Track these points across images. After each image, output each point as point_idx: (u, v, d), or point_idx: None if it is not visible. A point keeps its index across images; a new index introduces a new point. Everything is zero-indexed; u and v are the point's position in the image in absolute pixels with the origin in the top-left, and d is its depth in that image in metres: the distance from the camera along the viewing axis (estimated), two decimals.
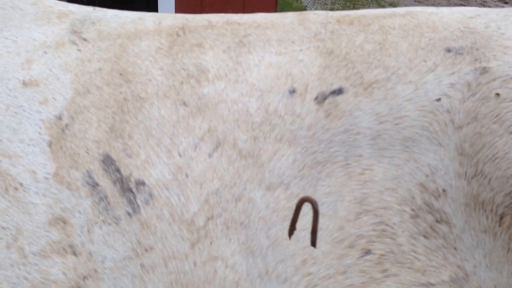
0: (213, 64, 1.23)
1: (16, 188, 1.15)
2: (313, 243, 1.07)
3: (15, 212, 1.14)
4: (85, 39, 1.28)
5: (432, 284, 1.16)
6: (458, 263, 1.15)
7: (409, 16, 1.29)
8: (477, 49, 1.19)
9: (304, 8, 9.84)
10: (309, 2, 10.62)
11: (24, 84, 1.21)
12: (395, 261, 1.17)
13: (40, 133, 1.18)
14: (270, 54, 1.24)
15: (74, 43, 1.27)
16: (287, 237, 1.15)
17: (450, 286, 1.15)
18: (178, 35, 1.28)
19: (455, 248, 1.15)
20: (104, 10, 1.37)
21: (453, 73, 1.18)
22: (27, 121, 1.18)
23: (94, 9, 1.35)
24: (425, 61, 1.19)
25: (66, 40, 1.27)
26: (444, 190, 1.15)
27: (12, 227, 1.14)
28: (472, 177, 1.14)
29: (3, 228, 1.13)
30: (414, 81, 1.18)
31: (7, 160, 1.16)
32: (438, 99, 1.16)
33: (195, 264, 1.15)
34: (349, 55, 1.23)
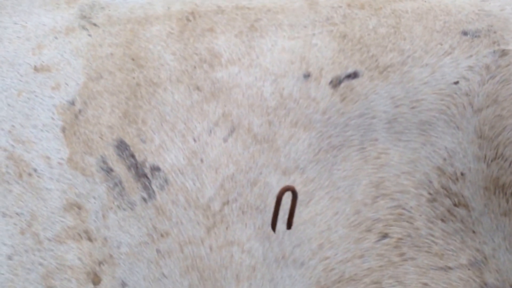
0: (226, 49, 1.31)
1: (30, 174, 1.22)
2: (289, 225, 1.17)
3: (29, 198, 1.22)
4: (95, 24, 1.35)
5: (450, 268, 1.23)
6: (477, 247, 1.23)
7: (420, 0, 1.36)
8: (495, 32, 1.27)
9: None
10: None
11: (36, 69, 1.29)
12: (412, 245, 1.24)
13: (53, 119, 1.25)
14: (283, 39, 1.32)
15: (84, 28, 1.34)
16: (304, 221, 1.24)
17: (469, 269, 1.23)
18: (188, 20, 1.35)
19: (473, 232, 1.23)
20: None
21: (471, 56, 1.25)
22: (39, 107, 1.26)
23: None
24: (441, 44, 1.27)
25: (76, 25, 1.35)
26: (462, 174, 1.23)
27: (26, 213, 1.21)
28: (492, 160, 1.22)
29: (18, 214, 1.21)
30: (431, 64, 1.26)
31: (20, 146, 1.23)
32: (456, 82, 1.24)
33: (211, 249, 1.23)
34: (363, 38, 1.30)
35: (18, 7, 1.38)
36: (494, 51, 1.25)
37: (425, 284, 1.24)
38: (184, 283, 1.23)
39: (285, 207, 1.23)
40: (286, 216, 1.24)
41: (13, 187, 1.22)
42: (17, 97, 1.27)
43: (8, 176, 1.23)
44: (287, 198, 1.23)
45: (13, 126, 1.25)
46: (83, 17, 1.37)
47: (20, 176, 1.22)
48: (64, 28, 1.35)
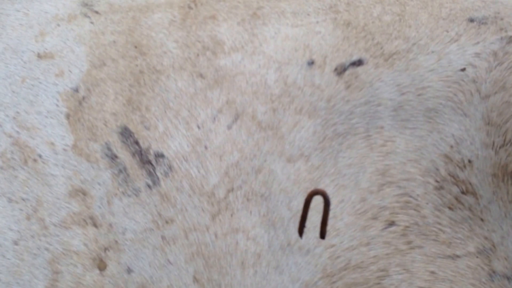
0: (229, 36, 1.46)
1: (35, 160, 1.38)
2: (322, 234, 1.26)
3: (35, 183, 1.37)
4: (97, 12, 1.52)
5: (458, 256, 1.36)
6: (485, 234, 1.36)
7: None
8: (502, 19, 1.41)
9: None
10: None
11: (39, 56, 1.45)
12: (419, 233, 1.37)
13: (57, 105, 1.41)
14: (286, 26, 1.47)
15: (86, 15, 1.51)
16: (309, 209, 1.40)
17: (477, 257, 1.36)
18: (190, 7, 1.51)
19: (481, 219, 1.36)
20: None
21: (478, 42, 1.39)
22: (43, 93, 1.42)
23: None
24: (447, 31, 1.42)
25: (78, 12, 1.52)
26: (470, 161, 1.36)
27: (32, 198, 1.37)
28: (500, 147, 1.35)
29: (23, 199, 1.36)
30: (437, 51, 1.40)
31: (25, 132, 1.39)
32: (463, 69, 1.38)
33: (216, 236, 1.37)
34: (368, 26, 1.45)
35: None
36: (501, 38, 1.40)
37: (433, 272, 1.37)
38: (189, 269, 1.37)
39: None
40: (317, 222, 1.37)
41: (19, 173, 1.38)
42: (21, 83, 1.43)
43: (14, 162, 1.38)
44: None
45: (17, 112, 1.41)
46: (85, 4, 1.53)
47: (25, 162, 1.38)
48: (67, 15, 1.51)
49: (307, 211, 1.29)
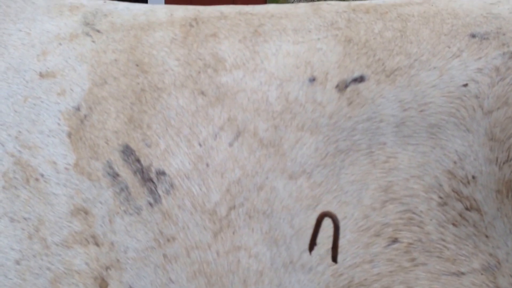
0: (230, 54, 1.48)
1: (37, 179, 1.39)
2: (334, 258, 1.26)
3: (37, 202, 1.38)
4: (98, 31, 1.54)
5: (462, 273, 1.36)
6: (490, 251, 1.36)
7: (427, 4, 1.53)
8: (504, 34, 1.43)
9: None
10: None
11: (41, 75, 1.47)
12: (423, 250, 1.37)
13: (59, 124, 1.43)
14: (287, 43, 1.49)
15: (88, 34, 1.53)
16: (311, 226, 1.39)
17: (482, 274, 1.36)
18: (191, 25, 1.53)
19: (486, 236, 1.36)
20: (115, 3, 1.63)
21: (480, 58, 1.41)
22: (45, 112, 1.44)
23: (104, 1, 1.62)
24: (449, 47, 1.43)
25: (80, 31, 1.54)
26: (473, 177, 1.36)
27: (34, 217, 1.38)
28: (504, 163, 1.35)
29: (25, 219, 1.37)
30: (439, 67, 1.41)
31: (27, 151, 1.41)
32: (465, 85, 1.39)
33: (218, 254, 1.38)
34: (369, 42, 1.46)
35: (21, 14, 1.57)
36: (503, 53, 1.41)
37: None
38: None
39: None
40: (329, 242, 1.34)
41: (21, 192, 1.39)
42: (23, 103, 1.45)
43: (16, 181, 1.40)
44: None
45: (19, 131, 1.43)
46: (87, 24, 1.56)
47: (27, 181, 1.40)
48: (68, 34, 1.54)
49: (318, 229, 1.29)
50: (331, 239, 1.39)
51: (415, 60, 1.45)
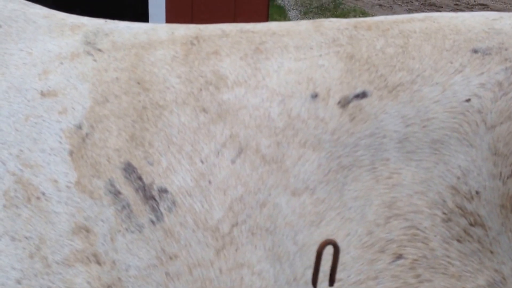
0: (232, 71, 1.47)
1: (38, 198, 1.38)
2: (332, 282, 1.25)
3: (38, 221, 1.36)
4: (100, 50, 1.53)
5: None
6: (495, 267, 1.35)
7: (428, 21, 1.53)
8: (506, 49, 1.42)
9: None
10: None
11: (43, 94, 1.46)
12: (428, 266, 1.36)
13: (60, 143, 1.42)
14: (289, 60, 1.48)
15: (89, 53, 1.53)
16: (315, 242, 1.38)
17: None
18: (192, 44, 1.53)
19: (491, 252, 1.34)
20: (116, 22, 1.63)
21: (482, 73, 1.39)
22: (47, 131, 1.42)
23: (105, 21, 1.62)
24: (451, 63, 1.42)
25: (81, 51, 1.53)
26: (477, 192, 1.35)
27: (35, 236, 1.36)
28: (507, 177, 1.34)
29: (26, 237, 1.35)
30: (441, 82, 1.40)
31: (28, 170, 1.39)
32: (468, 100, 1.38)
33: (220, 271, 1.36)
34: (371, 59, 1.45)
35: (23, 34, 1.56)
36: (506, 68, 1.40)
37: None
38: None
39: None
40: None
41: (22, 211, 1.37)
42: (25, 121, 1.43)
43: (17, 200, 1.38)
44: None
45: (21, 150, 1.41)
46: (88, 43, 1.55)
47: (29, 200, 1.38)
48: (70, 54, 1.53)
49: (320, 263, 1.26)
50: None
51: (418, 75, 1.43)
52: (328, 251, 1.34)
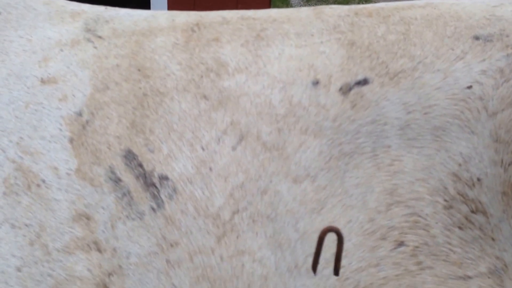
0: (232, 58, 1.45)
1: (38, 185, 1.35)
2: (336, 271, 1.24)
3: (38, 208, 1.34)
4: (100, 37, 1.50)
5: (469, 277, 1.33)
6: (497, 254, 1.32)
7: (429, 7, 1.50)
8: (507, 36, 1.39)
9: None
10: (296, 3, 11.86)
11: (42, 81, 1.43)
12: (429, 253, 1.34)
13: (60, 130, 1.39)
14: (290, 47, 1.45)
15: (89, 40, 1.49)
16: (316, 229, 1.36)
17: (489, 277, 1.32)
18: (193, 30, 1.50)
19: (492, 239, 1.32)
20: (116, 9, 1.60)
21: (484, 60, 1.37)
22: (47, 118, 1.40)
23: (106, 8, 1.58)
24: (453, 49, 1.40)
25: (81, 38, 1.50)
26: (479, 179, 1.33)
27: (35, 224, 1.33)
28: (509, 164, 1.32)
29: (26, 225, 1.33)
30: (443, 69, 1.38)
31: (28, 157, 1.36)
32: (469, 87, 1.36)
33: (221, 258, 1.34)
34: (372, 45, 1.43)
35: (23, 21, 1.53)
36: (507, 55, 1.37)
37: None
38: None
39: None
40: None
41: (22, 198, 1.35)
42: (25, 109, 1.41)
43: (17, 187, 1.35)
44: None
45: (21, 137, 1.38)
46: (88, 30, 1.52)
47: (29, 187, 1.35)
48: (70, 41, 1.50)
49: (321, 248, 1.26)
50: (336, 243, 1.35)
51: (419, 62, 1.41)
52: (331, 238, 1.32)
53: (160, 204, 1.37)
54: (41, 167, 1.38)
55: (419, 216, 1.36)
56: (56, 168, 1.38)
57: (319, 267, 1.35)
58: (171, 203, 1.37)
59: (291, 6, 11.50)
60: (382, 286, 1.35)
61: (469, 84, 1.38)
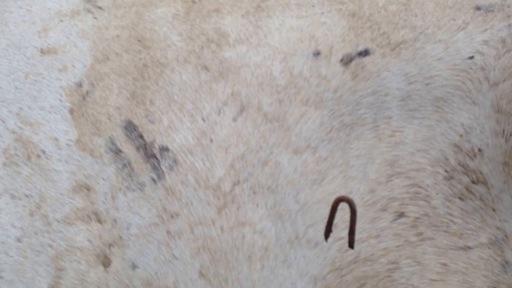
0: (233, 29, 1.42)
1: (38, 156, 1.34)
2: (351, 244, 1.21)
3: (38, 179, 1.33)
4: (100, 7, 1.47)
5: (469, 248, 1.31)
6: (497, 225, 1.31)
7: None
8: (508, 6, 1.36)
9: None
10: None
11: (42, 52, 1.41)
12: (430, 224, 1.32)
13: (60, 100, 1.37)
14: (290, 18, 1.43)
15: (89, 11, 1.47)
16: (317, 201, 1.33)
17: (489, 248, 1.31)
18: (193, 1, 1.46)
19: (493, 209, 1.31)
20: None
21: (485, 30, 1.35)
22: (47, 89, 1.38)
23: None
24: (454, 20, 1.37)
25: (81, 8, 1.47)
26: (480, 150, 1.31)
27: (35, 194, 1.32)
28: (510, 135, 1.30)
29: (26, 195, 1.32)
30: (444, 40, 1.35)
31: (28, 128, 1.35)
32: (471, 57, 1.34)
33: (222, 229, 1.32)
34: (373, 16, 1.40)
35: None
36: (509, 25, 1.35)
37: (444, 264, 1.32)
38: (195, 264, 1.32)
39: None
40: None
41: (22, 169, 1.33)
42: (24, 79, 1.39)
43: (17, 158, 1.34)
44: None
45: (20, 108, 1.37)
46: (88, 0, 1.48)
47: (29, 158, 1.34)
48: (69, 11, 1.47)
49: (334, 217, 1.23)
50: (338, 213, 1.33)
51: (420, 33, 1.39)
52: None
53: (160, 175, 1.35)
54: (41, 137, 1.36)
55: (420, 187, 1.35)
56: (56, 139, 1.36)
57: (320, 238, 1.34)
58: (171, 174, 1.35)
59: None
60: (383, 257, 1.34)
61: (470, 55, 1.36)
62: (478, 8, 1.40)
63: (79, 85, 1.40)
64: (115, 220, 1.34)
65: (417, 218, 1.34)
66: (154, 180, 1.35)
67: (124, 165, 1.35)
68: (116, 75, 1.40)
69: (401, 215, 1.35)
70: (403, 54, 1.38)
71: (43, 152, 1.35)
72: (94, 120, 1.38)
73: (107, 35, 1.45)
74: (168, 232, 1.34)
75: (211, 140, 1.36)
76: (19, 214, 1.34)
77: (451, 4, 1.41)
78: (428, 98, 1.36)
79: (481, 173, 1.33)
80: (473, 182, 1.34)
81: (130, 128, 1.36)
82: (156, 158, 1.35)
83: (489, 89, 1.34)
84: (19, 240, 1.33)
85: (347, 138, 1.37)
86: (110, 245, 1.33)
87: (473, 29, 1.38)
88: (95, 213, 1.34)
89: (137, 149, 1.35)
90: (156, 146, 1.36)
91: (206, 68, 1.40)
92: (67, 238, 1.33)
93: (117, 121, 1.38)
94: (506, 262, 1.33)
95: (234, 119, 1.37)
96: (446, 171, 1.34)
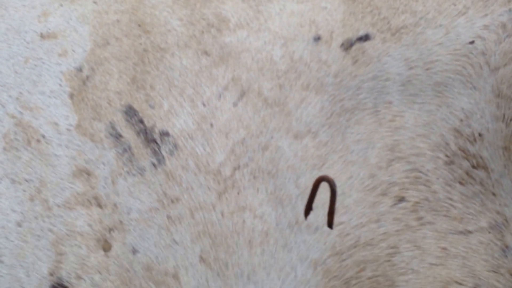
0: (233, 13, 1.40)
1: (38, 140, 1.32)
2: (330, 224, 1.19)
3: (38, 164, 1.31)
4: None
5: (470, 232, 1.30)
6: (497, 209, 1.30)
7: None
8: None
9: None
10: None
11: (42, 36, 1.39)
12: (430, 209, 1.30)
13: (60, 85, 1.36)
14: (291, 3, 1.41)
15: None
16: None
17: (489, 232, 1.29)
18: None
19: (493, 194, 1.30)
20: None
21: (486, 15, 1.33)
22: (47, 73, 1.37)
23: None
24: (455, 5, 1.35)
25: None
26: (480, 134, 1.30)
27: (35, 179, 1.31)
28: (511, 119, 1.29)
29: (26, 180, 1.30)
30: (445, 24, 1.33)
31: (28, 113, 1.33)
32: (472, 42, 1.32)
33: (222, 214, 1.31)
34: (374, 1, 1.38)
35: None
36: (509, 9, 1.33)
37: (444, 248, 1.30)
38: (195, 249, 1.31)
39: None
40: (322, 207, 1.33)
41: (22, 153, 1.32)
42: (24, 64, 1.37)
43: (17, 142, 1.32)
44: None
45: (20, 93, 1.35)
46: None
47: (29, 142, 1.32)
48: None
49: (314, 195, 1.23)
50: (338, 198, 1.33)
51: (421, 18, 1.36)
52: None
53: (161, 160, 1.33)
54: (41, 122, 1.35)
55: (420, 171, 1.33)
56: (56, 124, 1.34)
57: (320, 223, 1.32)
58: (171, 159, 1.33)
59: None
60: (383, 241, 1.32)
61: (471, 40, 1.34)
62: None
63: (79, 69, 1.38)
64: (115, 205, 1.32)
65: (417, 202, 1.33)
66: (154, 165, 1.33)
67: (125, 150, 1.33)
68: (116, 60, 1.39)
69: (401, 199, 1.33)
70: (404, 39, 1.36)
71: (43, 136, 1.34)
72: (94, 105, 1.36)
73: (107, 19, 1.43)
74: (168, 216, 1.32)
75: (211, 125, 1.35)
76: (19, 199, 1.32)
77: None
78: (429, 83, 1.34)
79: (481, 157, 1.32)
80: (473, 166, 1.32)
81: (130, 113, 1.35)
82: (157, 143, 1.33)
83: (489, 74, 1.32)
84: (19, 224, 1.31)
85: (347, 123, 1.35)
86: (110, 230, 1.31)
87: (474, 14, 1.36)
88: (96, 198, 1.32)
89: (138, 134, 1.34)
90: (157, 131, 1.34)
91: (206, 53, 1.38)
92: (67, 223, 1.31)
93: (117, 106, 1.36)
94: (506, 247, 1.32)
95: (235, 104, 1.35)
96: (446, 155, 1.33)
